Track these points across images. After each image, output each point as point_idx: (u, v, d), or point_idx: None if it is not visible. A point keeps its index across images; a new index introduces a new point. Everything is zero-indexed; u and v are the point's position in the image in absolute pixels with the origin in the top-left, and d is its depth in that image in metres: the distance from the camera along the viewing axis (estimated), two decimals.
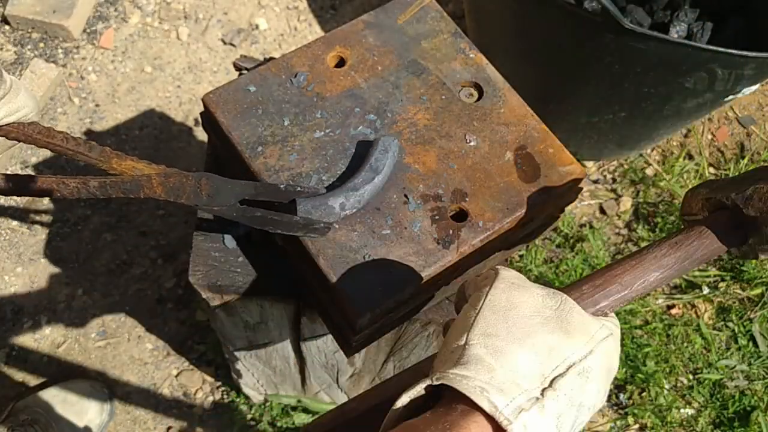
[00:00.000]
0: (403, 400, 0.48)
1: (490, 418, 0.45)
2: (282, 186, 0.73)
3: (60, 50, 1.78)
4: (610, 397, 1.52)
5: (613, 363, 0.54)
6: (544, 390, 0.48)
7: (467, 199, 0.75)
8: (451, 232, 0.73)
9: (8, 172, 0.56)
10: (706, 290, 1.63)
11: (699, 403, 1.53)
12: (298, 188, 0.73)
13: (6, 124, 0.63)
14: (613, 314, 0.56)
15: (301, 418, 1.41)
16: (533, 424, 0.46)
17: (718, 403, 1.52)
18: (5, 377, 1.44)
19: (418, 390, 0.48)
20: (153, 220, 1.60)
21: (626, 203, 1.73)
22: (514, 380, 0.47)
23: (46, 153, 1.64)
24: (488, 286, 0.53)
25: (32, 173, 1.63)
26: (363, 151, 0.77)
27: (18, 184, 0.64)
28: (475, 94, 0.83)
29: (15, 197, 1.61)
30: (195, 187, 0.69)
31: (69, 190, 0.65)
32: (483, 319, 0.51)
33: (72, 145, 0.66)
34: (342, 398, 1.33)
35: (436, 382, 0.47)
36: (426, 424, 0.46)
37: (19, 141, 0.65)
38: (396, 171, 0.76)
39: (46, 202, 1.61)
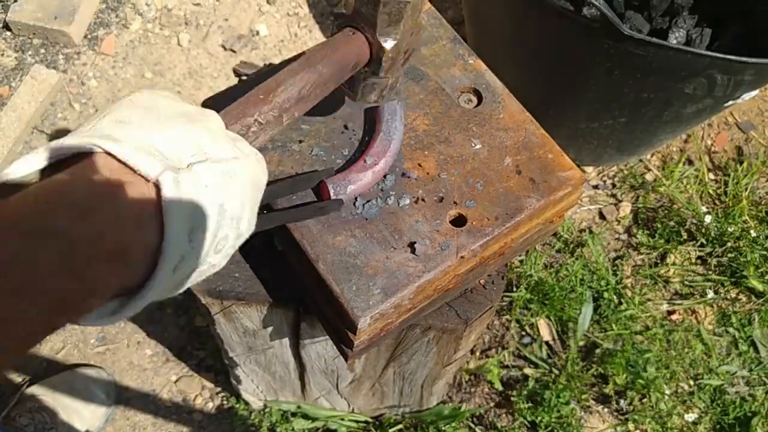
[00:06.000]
0: (19, 167, 0.43)
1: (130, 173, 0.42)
2: (298, 176, 0.72)
3: (61, 56, 1.78)
4: (610, 402, 1.52)
5: (259, 180, 0.52)
6: (180, 169, 0.44)
7: (467, 204, 0.75)
8: (450, 237, 0.73)
9: None
10: (707, 296, 1.63)
11: (699, 408, 1.52)
12: (316, 170, 0.73)
13: None
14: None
15: (300, 425, 1.41)
16: (180, 184, 0.43)
17: (719, 409, 1.52)
18: (4, 382, 1.44)
19: (36, 159, 0.43)
20: None
21: (626, 208, 1.73)
22: (146, 152, 0.43)
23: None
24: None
25: None
26: (371, 119, 0.78)
27: None
28: (474, 100, 0.83)
29: None
30: None
31: None
32: (117, 109, 0.47)
33: None
34: (342, 404, 1.33)
35: (57, 145, 0.43)
36: (72, 179, 0.41)
37: None
38: (396, 176, 0.76)
39: None
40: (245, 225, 0.51)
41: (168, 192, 0.42)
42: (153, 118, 0.47)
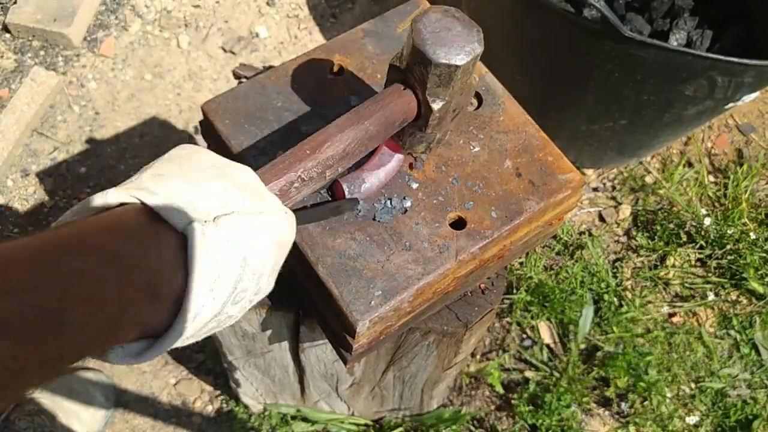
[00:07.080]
0: (66, 217, 0.48)
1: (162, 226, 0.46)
2: None
3: (60, 58, 1.78)
4: (611, 405, 1.51)
5: (284, 239, 0.55)
6: (207, 222, 0.47)
7: (466, 206, 0.75)
8: (449, 239, 0.73)
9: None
10: (707, 298, 1.62)
11: (701, 411, 1.52)
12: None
13: None
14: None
15: (300, 428, 1.40)
16: (206, 235, 0.46)
17: (720, 412, 1.51)
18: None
19: (83, 212, 0.47)
20: None
21: (625, 211, 1.72)
22: (177, 204, 0.47)
23: (46, 161, 1.64)
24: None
25: (33, 180, 1.63)
26: None
27: None
28: (475, 102, 0.83)
29: (16, 202, 1.61)
30: None
31: None
32: (157, 164, 0.51)
33: None
34: (342, 407, 1.33)
35: (102, 201, 0.46)
36: (97, 224, 0.45)
37: None
38: (395, 178, 0.76)
39: (47, 209, 1.61)
40: (265, 281, 0.53)
41: (193, 242, 0.45)
42: (187, 172, 0.50)
